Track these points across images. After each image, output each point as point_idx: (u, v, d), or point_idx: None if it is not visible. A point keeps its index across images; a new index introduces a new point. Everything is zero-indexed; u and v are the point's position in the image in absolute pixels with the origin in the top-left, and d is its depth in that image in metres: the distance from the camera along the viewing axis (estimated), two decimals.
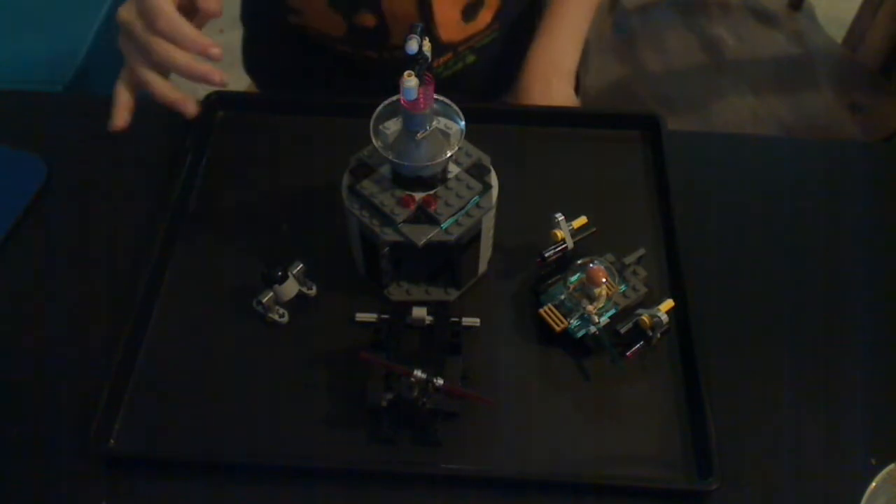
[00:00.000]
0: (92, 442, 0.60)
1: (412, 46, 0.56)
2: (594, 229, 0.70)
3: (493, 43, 0.95)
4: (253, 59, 1.09)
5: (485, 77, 0.98)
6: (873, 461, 0.61)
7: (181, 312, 0.69)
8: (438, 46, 0.90)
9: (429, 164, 0.61)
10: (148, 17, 0.65)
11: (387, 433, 0.62)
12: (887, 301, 0.71)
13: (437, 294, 0.69)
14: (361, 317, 0.68)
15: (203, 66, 0.66)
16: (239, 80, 1.10)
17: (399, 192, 0.63)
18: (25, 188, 0.76)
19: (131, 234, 0.73)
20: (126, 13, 0.68)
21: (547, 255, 0.67)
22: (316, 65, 0.96)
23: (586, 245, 0.70)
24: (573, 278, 0.67)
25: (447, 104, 0.63)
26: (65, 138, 0.82)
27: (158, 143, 0.79)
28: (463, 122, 0.63)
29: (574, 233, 0.68)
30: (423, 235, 0.63)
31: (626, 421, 0.64)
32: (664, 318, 0.64)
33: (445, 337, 0.65)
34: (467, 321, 0.67)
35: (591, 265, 0.66)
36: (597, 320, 0.65)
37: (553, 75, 0.93)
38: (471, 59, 0.94)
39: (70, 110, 0.87)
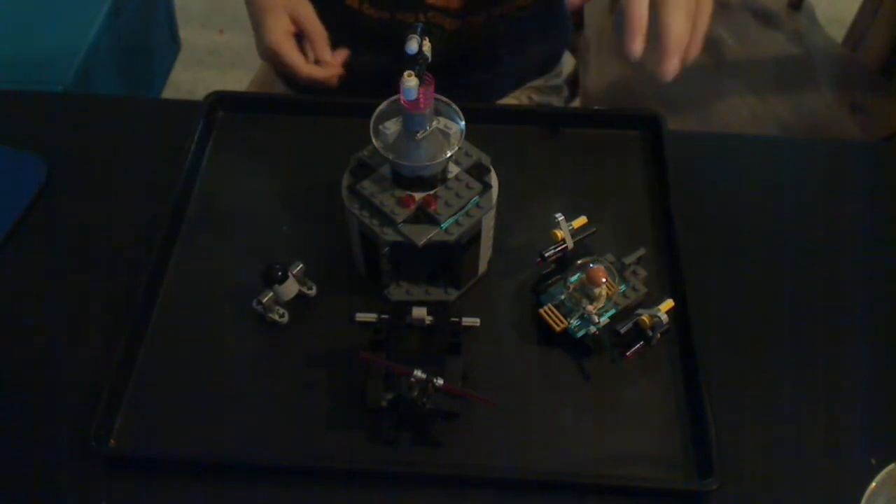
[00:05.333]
0: (92, 442, 0.60)
1: (412, 46, 0.56)
2: (594, 229, 0.70)
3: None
4: None
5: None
6: (873, 461, 0.61)
7: (181, 312, 0.69)
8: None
9: (429, 164, 0.61)
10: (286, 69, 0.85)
11: (387, 433, 0.62)
12: (887, 301, 0.71)
13: (437, 294, 0.69)
14: (361, 317, 0.68)
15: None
16: (239, 80, 1.10)
17: (399, 192, 0.63)
18: (26, 188, 0.76)
19: (131, 234, 0.73)
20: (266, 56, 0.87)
21: (547, 255, 0.67)
22: (340, 38, 0.96)
23: (586, 245, 0.70)
24: (573, 278, 0.67)
25: (447, 104, 0.63)
26: (65, 138, 0.82)
27: (158, 143, 0.80)
28: (463, 122, 0.63)
29: (574, 233, 0.68)
30: (423, 235, 0.63)
31: (626, 421, 0.64)
32: (664, 318, 0.64)
33: (445, 337, 0.65)
34: (467, 321, 0.67)
35: (591, 265, 0.66)
36: (597, 320, 0.65)
37: None
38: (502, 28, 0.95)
39: (70, 110, 0.87)
